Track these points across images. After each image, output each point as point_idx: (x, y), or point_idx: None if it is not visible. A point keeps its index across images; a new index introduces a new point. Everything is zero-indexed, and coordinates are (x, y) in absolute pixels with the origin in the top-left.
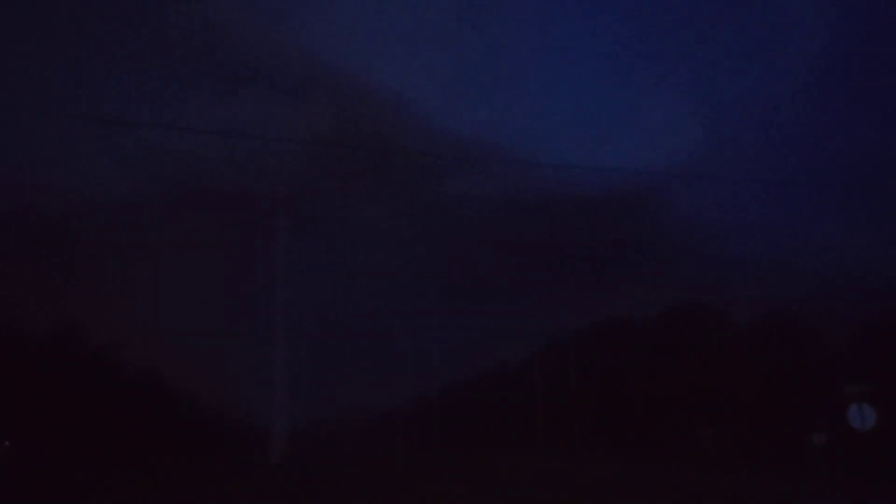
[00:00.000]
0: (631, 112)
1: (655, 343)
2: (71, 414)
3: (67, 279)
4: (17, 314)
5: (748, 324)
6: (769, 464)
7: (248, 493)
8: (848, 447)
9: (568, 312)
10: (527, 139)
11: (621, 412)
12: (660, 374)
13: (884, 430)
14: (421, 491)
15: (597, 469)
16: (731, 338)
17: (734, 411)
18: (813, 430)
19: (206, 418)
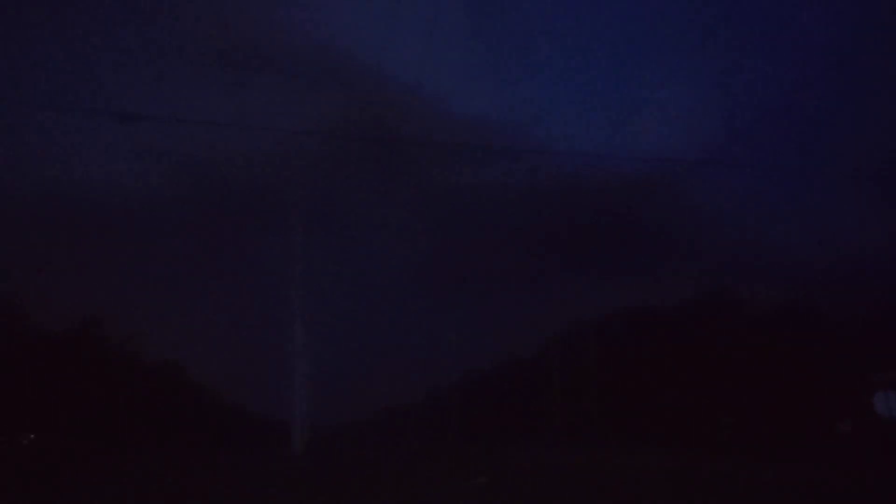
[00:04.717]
0: (650, 98)
1: (676, 332)
2: (93, 407)
3: (88, 274)
4: (39, 309)
5: (770, 311)
6: (792, 452)
7: (271, 483)
8: (874, 435)
9: (587, 302)
10: (545, 126)
11: (640, 402)
12: (680, 363)
13: None
14: (440, 481)
15: (616, 459)
16: (753, 325)
17: (756, 399)
18: (838, 418)
19: (226, 410)
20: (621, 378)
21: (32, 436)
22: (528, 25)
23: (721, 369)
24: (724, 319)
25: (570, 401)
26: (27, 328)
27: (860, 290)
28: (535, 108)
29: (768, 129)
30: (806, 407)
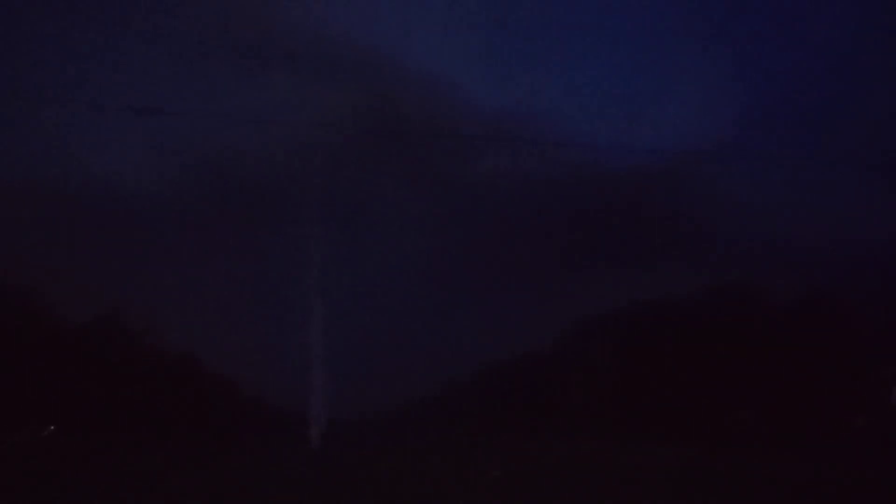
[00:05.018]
0: (666, 89)
1: (690, 325)
2: (111, 398)
3: (106, 267)
4: (58, 301)
5: (786, 303)
6: (803, 448)
7: (287, 478)
8: (890, 430)
9: (602, 295)
10: (559, 117)
11: (654, 396)
12: (694, 357)
13: None
14: (455, 474)
15: (626, 453)
16: (768, 318)
17: (769, 394)
18: (855, 412)
19: (243, 403)
20: (636, 372)
21: (52, 427)
22: (541, 17)
23: (735, 363)
24: (738, 312)
25: (584, 394)
26: (46, 321)
27: (876, 283)
28: (551, 98)
29: (787, 119)
30: (821, 401)
